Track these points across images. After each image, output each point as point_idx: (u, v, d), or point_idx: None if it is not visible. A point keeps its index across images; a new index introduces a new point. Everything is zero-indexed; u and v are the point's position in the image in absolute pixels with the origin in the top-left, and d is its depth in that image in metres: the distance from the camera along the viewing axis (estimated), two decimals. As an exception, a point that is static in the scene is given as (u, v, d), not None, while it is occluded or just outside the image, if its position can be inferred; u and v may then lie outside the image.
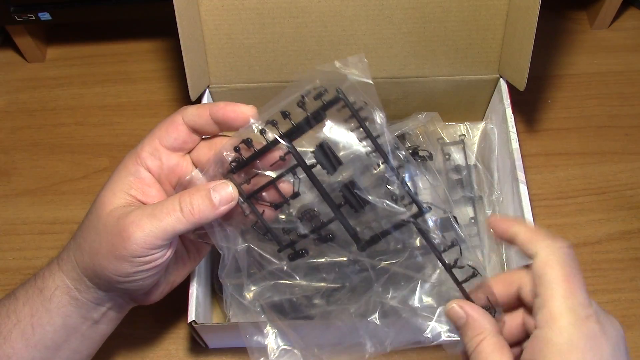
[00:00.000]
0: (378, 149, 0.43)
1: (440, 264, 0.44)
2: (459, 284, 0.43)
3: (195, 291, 0.52)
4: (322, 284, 0.50)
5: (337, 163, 0.44)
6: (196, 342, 0.57)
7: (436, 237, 0.44)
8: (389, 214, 0.45)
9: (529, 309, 0.40)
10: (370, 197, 0.44)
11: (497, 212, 0.62)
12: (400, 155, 0.44)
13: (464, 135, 0.67)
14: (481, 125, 0.68)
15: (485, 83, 0.65)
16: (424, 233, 0.44)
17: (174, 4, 0.55)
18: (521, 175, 0.57)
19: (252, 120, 0.44)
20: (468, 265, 0.43)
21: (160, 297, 0.49)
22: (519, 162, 0.58)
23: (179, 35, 0.57)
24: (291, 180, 0.45)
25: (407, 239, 0.48)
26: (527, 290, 0.40)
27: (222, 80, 0.64)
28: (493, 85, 0.66)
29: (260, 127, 0.44)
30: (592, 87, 0.74)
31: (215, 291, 0.58)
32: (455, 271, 0.44)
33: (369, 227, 0.46)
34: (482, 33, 0.62)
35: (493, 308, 0.42)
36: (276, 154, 0.44)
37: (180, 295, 0.51)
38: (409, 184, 0.44)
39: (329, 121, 0.44)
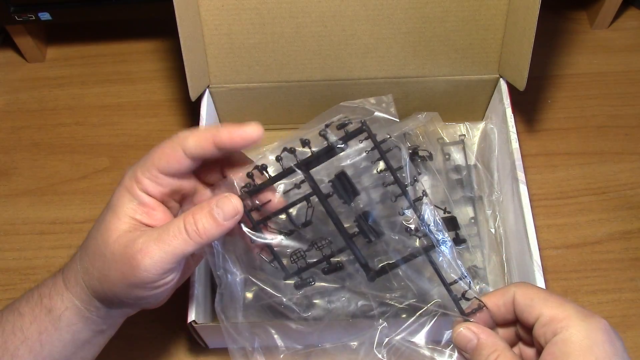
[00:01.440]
0: (398, 181, 0.43)
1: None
2: (464, 315, 0.44)
3: (195, 291, 0.52)
4: (323, 284, 0.50)
5: (354, 193, 0.44)
6: (196, 342, 0.57)
7: (448, 269, 0.44)
8: (401, 246, 0.45)
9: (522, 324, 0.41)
10: (384, 230, 0.45)
11: (497, 212, 0.62)
12: (419, 189, 0.44)
13: (464, 135, 0.67)
14: (481, 125, 0.68)
15: (485, 83, 0.65)
16: (435, 266, 0.44)
17: (174, 4, 0.55)
18: (521, 175, 0.57)
19: (267, 152, 0.43)
20: (475, 297, 0.43)
21: (165, 300, 0.49)
22: (519, 162, 0.58)
23: (179, 35, 0.57)
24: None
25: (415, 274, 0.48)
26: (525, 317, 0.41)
27: (222, 80, 0.64)
28: (493, 85, 0.66)
29: (277, 154, 0.43)
30: (592, 87, 0.74)
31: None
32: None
33: (379, 259, 0.47)
34: (482, 33, 0.62)
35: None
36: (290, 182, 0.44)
37: (180, 295, 0.51)
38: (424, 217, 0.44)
39: (349, 151, 0.43)
